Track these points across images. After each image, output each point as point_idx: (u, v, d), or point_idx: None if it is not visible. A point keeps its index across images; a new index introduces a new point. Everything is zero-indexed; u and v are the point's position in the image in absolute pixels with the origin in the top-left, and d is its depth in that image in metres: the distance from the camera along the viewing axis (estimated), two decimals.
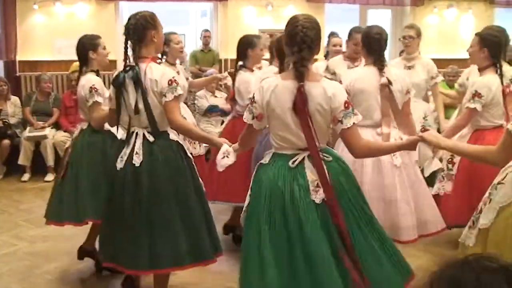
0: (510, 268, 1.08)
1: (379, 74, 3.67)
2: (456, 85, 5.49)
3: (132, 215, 3.14)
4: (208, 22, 9.92)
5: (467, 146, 3.18)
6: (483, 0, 10.39)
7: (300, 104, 2.61)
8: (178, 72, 4.43)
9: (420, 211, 3.68)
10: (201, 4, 10.21)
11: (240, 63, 4.64)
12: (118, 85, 3.17)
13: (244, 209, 2.83)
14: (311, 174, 2.66)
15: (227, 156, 2.96)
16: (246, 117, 2.79)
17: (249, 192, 2.82)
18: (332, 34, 5.99)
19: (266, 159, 2.79)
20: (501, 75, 3.96)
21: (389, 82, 3.63)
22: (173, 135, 3.27)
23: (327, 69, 5.12)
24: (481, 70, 4.08)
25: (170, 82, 3.09)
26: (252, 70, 4.61)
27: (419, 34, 5.31)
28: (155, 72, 3.12)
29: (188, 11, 11.12)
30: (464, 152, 2.85)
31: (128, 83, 3.14)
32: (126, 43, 3.16)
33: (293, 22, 2.69)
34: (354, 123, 2.70)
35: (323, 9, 9.42)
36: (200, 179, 3.34)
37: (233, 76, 4.73)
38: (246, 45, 4.57)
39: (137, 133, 3.21)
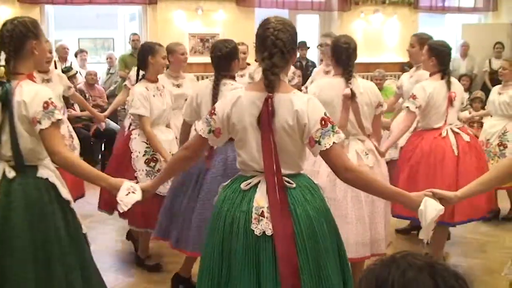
0: (435, 264, 1.12)
1: (346, 85, 3.62)
2: (394, 88, 5.82)
3: None
4: (137, 25, 9.74)
5: (488, 175, 2.61)
6: (407, 6, 10.82)
7: (265, 118, 2.29)
8: (160, 88, 4.36)
9: (375, 229, 3.62)
10: (130, 8, 9.84)
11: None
12: None
13: None
14: (259, 200, 2.33)
15: (133, 192, 2.53)
16: (202, 129, 2.45)
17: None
18: None
19: (228, 181, 2.51)
20: (448, 82, 4.18)
21: (353, 94, 3.57)
22: (42, 172, 2.67)
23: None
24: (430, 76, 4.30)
25: (45, 105, 2.54)
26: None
27: None
28: (26, 92, 2.56)
29: (117, 14, 10.61)
30: (489, 183, 2.58)
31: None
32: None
33: (263, 25, 2.38)
34: (334, 143, 2.30)
35: (253, 14, 10.14)
36: (80, 227, 2.76)
37: None
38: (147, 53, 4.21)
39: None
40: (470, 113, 7.18)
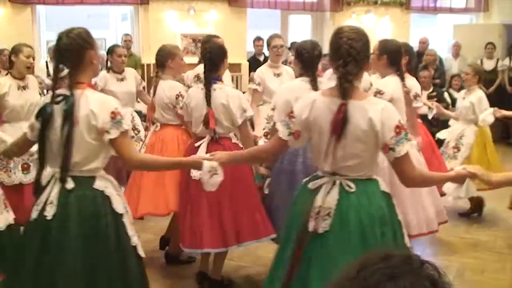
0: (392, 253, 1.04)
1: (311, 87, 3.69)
2: None
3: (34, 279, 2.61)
4: (129, 26, 9.70)
5: None
6: (399, 6, 10.84)
7: (336, 124, 2.39)
8: (123, 79, 5.31)
9: (426, 207, 4.02)
10: (122, 8, 9.79)
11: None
12: (45, 118, 2.64)
13: None
14: (321, 200, 2.48)
15: (216, 173, 2.71)
16: (282, 132, 2.58)
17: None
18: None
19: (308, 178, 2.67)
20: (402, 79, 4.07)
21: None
22: (99, 183, 2.69)
23: None
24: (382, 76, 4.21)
25: (113, 115, 2.58)
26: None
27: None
28: (93, 102, 2.60)
29: (108, 14, 10.62)
30: None
31: (56, 116, 2.62)
32: (57, 67, 2.70)
33: (337, 34, 2.53)
34: (407, 151, 2.43)
35: (245, 14, 10.11)
36: (130, 240, 2.72)
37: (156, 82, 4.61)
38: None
39: (55, 178, 2.67)
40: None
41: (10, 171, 4.42)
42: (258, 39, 9.12)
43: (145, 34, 9.36)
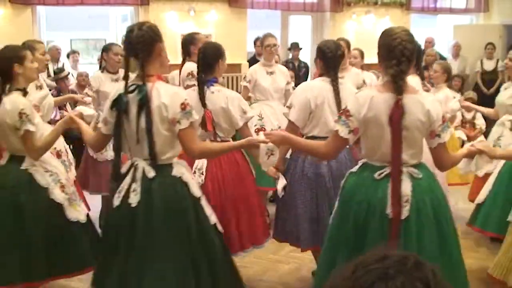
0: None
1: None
2: None
3: (125, 261, 2.76)
4: None
5: None
6: (399, 7, 10.84)
7: (396, 117, 2.58)
8: (117, 80, 5.13)
9: None
10: (122, 9, 9.77)
11: None
12: (121, 108, 2.72)
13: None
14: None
15: (272, 154, 2.86)
16: (341, 131, 2.70)
17: (338, 197, 2.90)
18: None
19: (355, 168, 2.83)
20: None
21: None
22: (177, 170, 2.85)
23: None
24: None
25: (183, 106, 2.72)
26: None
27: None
28: (164, 94, 2.72)
29: (108, 15, 10.55)
30: None
31: (131, 106, 2.73)
32: (127, 59, 2.80)
33: (390, 34, 2.68)
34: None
35: (246, 15, 10.09)
36: (209, 220, 2.92)
37: None
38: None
39: (136, 166, 2.80)
40: (462, 114, 7.19)
41: None
42: (259, 39, 9.10)
43: None
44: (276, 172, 3.79)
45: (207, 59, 3.72)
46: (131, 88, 2.74)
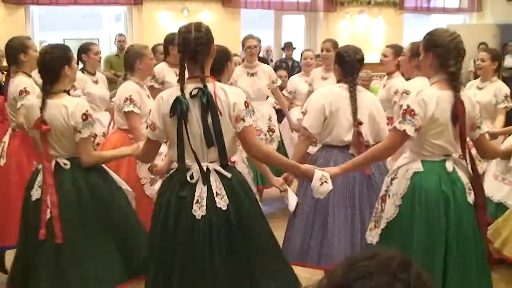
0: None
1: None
2: (381, 88, 5.43)
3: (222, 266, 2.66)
4: (122, 26, 9.68)
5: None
6: (392, 7, 10.86)
7: (462, 113, 2.74)
8: (97, 81, 5.07)
9: None
10: (115, 8, 9.77)
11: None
12: (182, 113, 2.62)
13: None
14: (464, 178, 2.84)
15: (326, 182, 2.86)
16: (408, 130, 2.73)
17: (400, 196, 2.84)
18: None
19: (419, 166, 2.85)
20: None
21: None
22: (240, 166, 3.00)
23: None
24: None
25: (246, 104, 2.71)
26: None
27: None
28: (230, 94, 2.71)
29: (102, 15, 10.54)
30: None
31: (192, 110, 2.65)
32: (183, 60, 2.72)
33: (448, 35, 2.81)
34: None
35: (239, 14, 10.12)
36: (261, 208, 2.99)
37: None
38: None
39: (208, 170, 2.70)
40: None
41: None
42: None
43: (139, 35, 9.37)
44: (283, 184, 3.58)
45: (216, 63, 3.60)
46: (193, 92, 2.65)
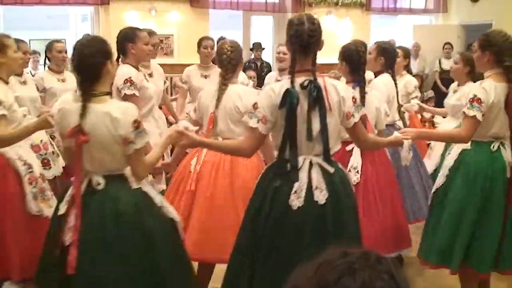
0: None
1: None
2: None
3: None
4: (89, 26, 9.59)
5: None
6: (359, 8, 10.95)
7: None
8: (25, 82, 4.55)
9: None
10: (81, 8, 9.65)
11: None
12: (291, 104, 2.60)
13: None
14: (508, 157, 3.29)
15: (410, 149, 3.14)
16: (478, 116, 3.14)
17: (447, 173, 3.43)
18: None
19: (468, 145, 3.35)
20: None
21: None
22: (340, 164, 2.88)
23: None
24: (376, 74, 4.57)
25: (354, 100, 2.76)
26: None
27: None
28: (340, 89, 2.73)
29: (68, 15, 10.46)
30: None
31: (302, 102, 2.62)
32: (294, 53, 2.67)
33: (502, 35, 3.32)
34: None
35: (208, 15, 10.03)
36: None
37: None
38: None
39: (310, 163, 2.69)
40: (421, 114, 7.28)
41: None
42: (222, 39, 9.09)
43: (106, 35, 9.20)
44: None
45: (233, 61, 3.68)
46: (305, 83, 2.62)
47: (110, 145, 2.59)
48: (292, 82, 2.63)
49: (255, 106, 2.70)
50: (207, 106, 3.65)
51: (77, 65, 2.67)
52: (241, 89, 3.69)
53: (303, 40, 2.64)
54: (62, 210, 2.69)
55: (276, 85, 2.73)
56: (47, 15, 11.72)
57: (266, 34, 11.05)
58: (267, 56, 10.07)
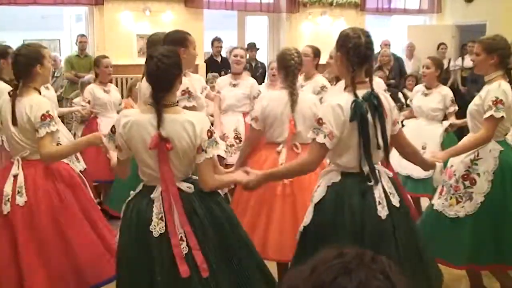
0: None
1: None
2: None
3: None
4: (83, 27, 9.51)
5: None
6: (354, 8, 10.96)
7: None
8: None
9: None
10: (76, 9, 9.62)
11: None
12: (362, 115, 2.66)
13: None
14: None
15: (442, 171, 3.34)
16: (498, 115, 3.40)
17: (492, 172, 3.52)
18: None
19: (499, 146, 3.52)
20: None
21: None
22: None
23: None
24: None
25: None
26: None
27: None
28: (388, 98, 2.89)
29: (62, 15, 10.41)
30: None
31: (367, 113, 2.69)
32: (353, 65, 2.72)
33: (505, 39, 3.55)
34: None
35: (202, 15, 9.99)
36: None
37: None
38: None
39: (379, 170, 2.79)
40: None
41: None
42: (218, 40, 9.11)
43: (100, 35, 9.23)
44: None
45: (300, 66, 3.90)
46: (366, 95, 2.71)
47: (189, 152, 2.67)
48: (355, 94, 2.70)
49: (319, 121, 2.70)
50: (279, 113, 3.71)
51: (154, 75, 2.67)
52: (310, 97, 3.94)
53: (360, 53, 2.72)
54: (159, 229, 2.66)
55: (338, 100, 2.73)
56: (41, 15, 11.68)
57: (261, 34, 11.04)
58: (262, 56, 10.06)
